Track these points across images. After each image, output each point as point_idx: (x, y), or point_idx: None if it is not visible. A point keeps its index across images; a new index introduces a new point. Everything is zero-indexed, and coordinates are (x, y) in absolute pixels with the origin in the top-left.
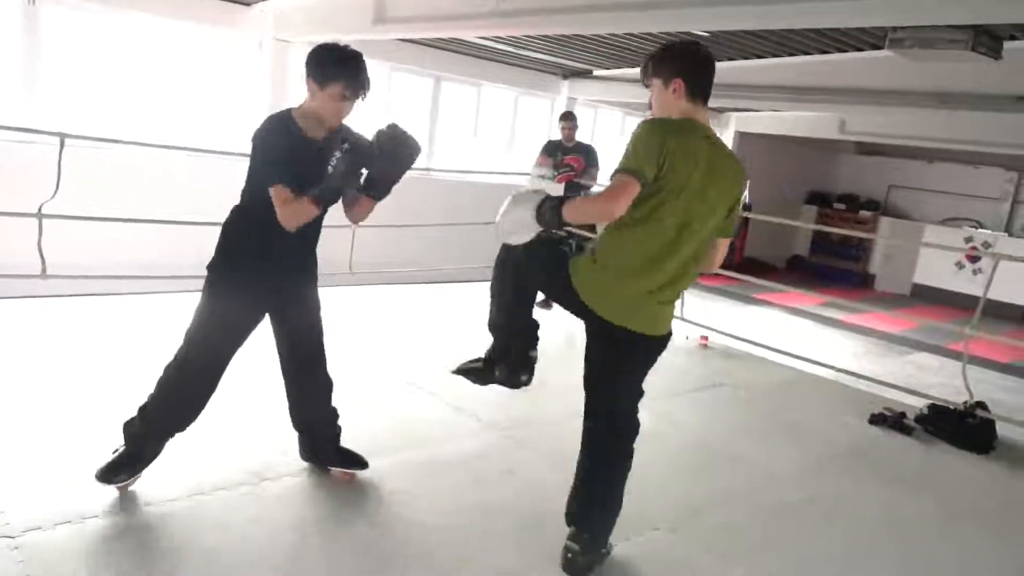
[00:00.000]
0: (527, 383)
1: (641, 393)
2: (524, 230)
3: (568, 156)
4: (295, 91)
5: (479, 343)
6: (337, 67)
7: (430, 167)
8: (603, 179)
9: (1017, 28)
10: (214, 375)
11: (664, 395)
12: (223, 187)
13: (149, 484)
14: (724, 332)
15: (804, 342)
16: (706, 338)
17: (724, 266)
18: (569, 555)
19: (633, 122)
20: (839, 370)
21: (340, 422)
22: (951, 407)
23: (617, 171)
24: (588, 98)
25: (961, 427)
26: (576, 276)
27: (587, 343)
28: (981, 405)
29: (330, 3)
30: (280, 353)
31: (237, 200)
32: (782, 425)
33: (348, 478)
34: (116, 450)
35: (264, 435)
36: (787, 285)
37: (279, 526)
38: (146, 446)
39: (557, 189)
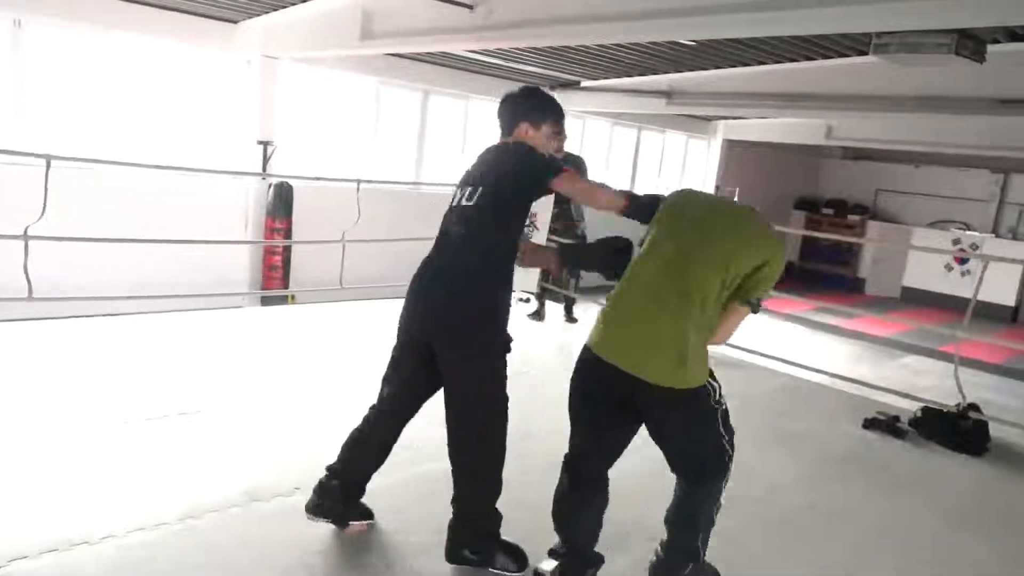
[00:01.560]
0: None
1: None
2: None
3: None
4: (284, 108)
5: None
6: (551, 105)
7: (419, 181)
8: None
9: (1000, 31)
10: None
11: None
12: (210, 205)
13: (141, 509)
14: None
15: (798, 348)
16: None
17: None
18: (652, 558)
19: (621, 132)
20: (833, 375)
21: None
22: (944, 409)
23: None
24: (576, 109)
25: (955, 429)
26: None
27: None
28: (974, 407)
29: (317, 19)
30: (426, 393)
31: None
32: (778, 433)
33: (364, 528)
34: (477, 552)
35: (257, 456)
36: (778, 291)
37: (271, 546)
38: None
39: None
